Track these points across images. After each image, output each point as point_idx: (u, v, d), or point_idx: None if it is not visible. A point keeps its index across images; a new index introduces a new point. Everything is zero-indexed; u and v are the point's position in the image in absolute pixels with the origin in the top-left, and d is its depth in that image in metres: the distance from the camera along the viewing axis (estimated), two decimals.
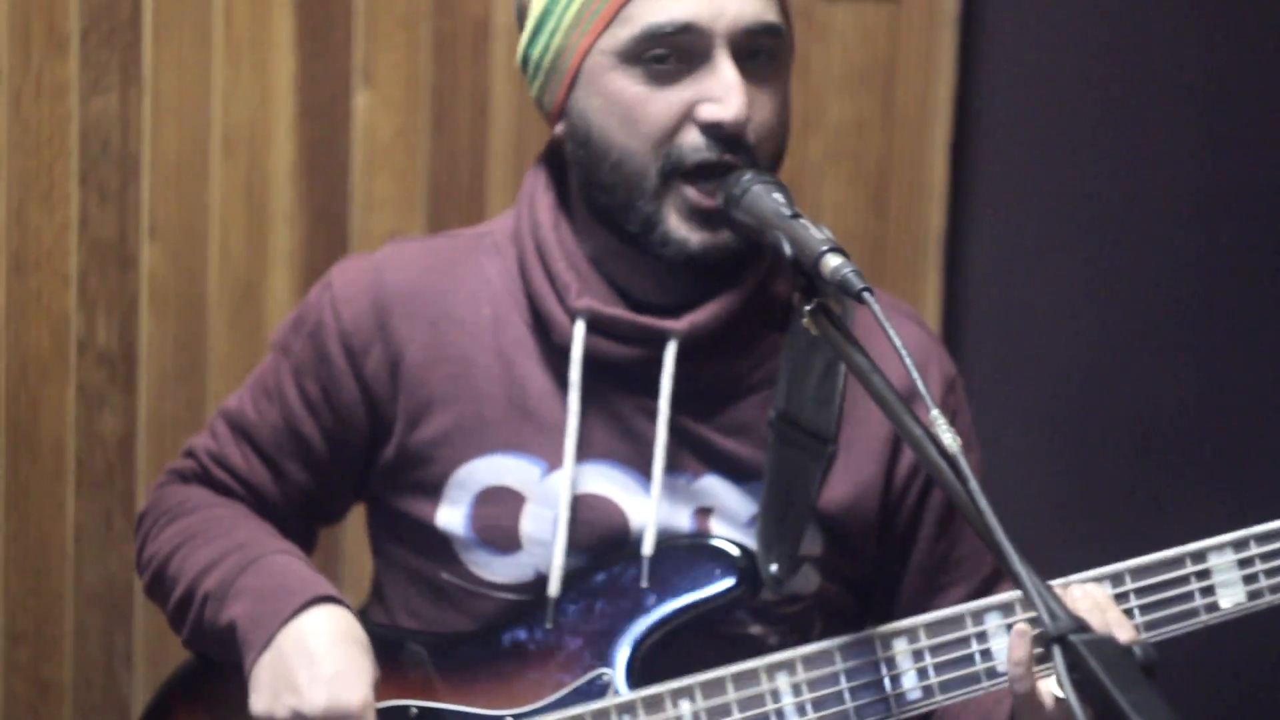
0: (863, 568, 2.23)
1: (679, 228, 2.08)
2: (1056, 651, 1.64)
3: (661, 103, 2.08)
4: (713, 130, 2.07)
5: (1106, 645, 1.64)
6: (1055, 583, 2.00)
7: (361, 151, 3.13)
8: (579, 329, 2.13)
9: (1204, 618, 2.06)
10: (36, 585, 3.00)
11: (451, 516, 2.18)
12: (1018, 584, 1.71)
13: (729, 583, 2.12)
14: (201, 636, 2.19)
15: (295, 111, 3.09)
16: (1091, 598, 2.00)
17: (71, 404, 2.98)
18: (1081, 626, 1.65)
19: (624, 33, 2.08)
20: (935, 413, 1.79)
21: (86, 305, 2.98)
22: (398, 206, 3.14)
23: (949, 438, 1.78)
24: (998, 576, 2.19)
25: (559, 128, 2.16)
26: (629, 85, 2.09)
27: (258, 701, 2.07)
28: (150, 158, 3.02)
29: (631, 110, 2.08)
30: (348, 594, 2.97)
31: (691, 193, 2.08)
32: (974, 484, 1.76)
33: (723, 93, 2.06)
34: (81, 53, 2.94)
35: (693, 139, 2.07)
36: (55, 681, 3.02)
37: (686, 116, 2.07)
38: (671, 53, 2.07)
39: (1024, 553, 1.72)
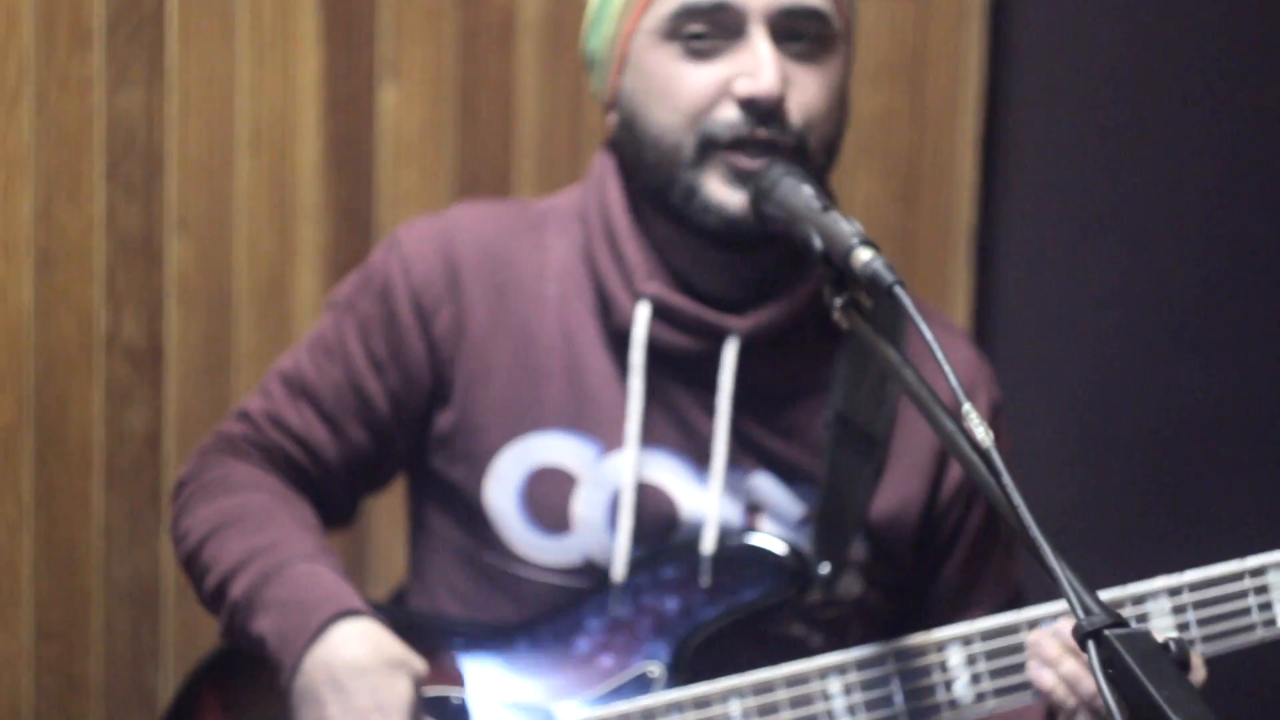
0: (903, 575, 2.23)
1: (718, 191, 2.09)
2: (1091, 647, 1.63)
3: (698, 78, 2.09)
4: (747, 105, 2.08)
5: (1141, 640, 1.63)
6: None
7: (388, 146, 3.13)
8: (642, 311, 2.13)
9: (1260, 633, 2.05)
10: (65, 582, 3.00)
11: (501, 491, 2.18)
12: (1051, 578, 1.69)
13: (781, 584, 2.12)
14: (234, 638, 2.17)
15: (321, 106, 3.09)
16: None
17: (99, 400, 2.98)
18: (1117, 621, 1.64)
19: (662, 10, 2.10)
20: (967, 407, 1.78)
21: (113, 301, 2.98)
22: (424, 201, 3.13)
23: (982, 432, 1.77)
24: (1016, 604, 2.18)
25: (612, 116, 2.18)
26: (667, 62, 2.11)
27: None
28: (176, 153, 3.01)
29: (669, 85, 2.10)
30: (376, 587, 2.98)
31: (733, 158, 2.08)
32: (1007, 478, 1.75)
33: (755, 67, 2.08)
34: (107, 48, 2.94)
35: (728, 114, 2.09)
36: (84, 678, 3.02)
37: (723, 92, 2.09)
38: (708, 29, 2.08)
39: (1058, 548, 1.71)
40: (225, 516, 2.20)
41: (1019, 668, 2.05)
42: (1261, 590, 2.06)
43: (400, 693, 2.02)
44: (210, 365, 3.06)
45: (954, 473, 2.19)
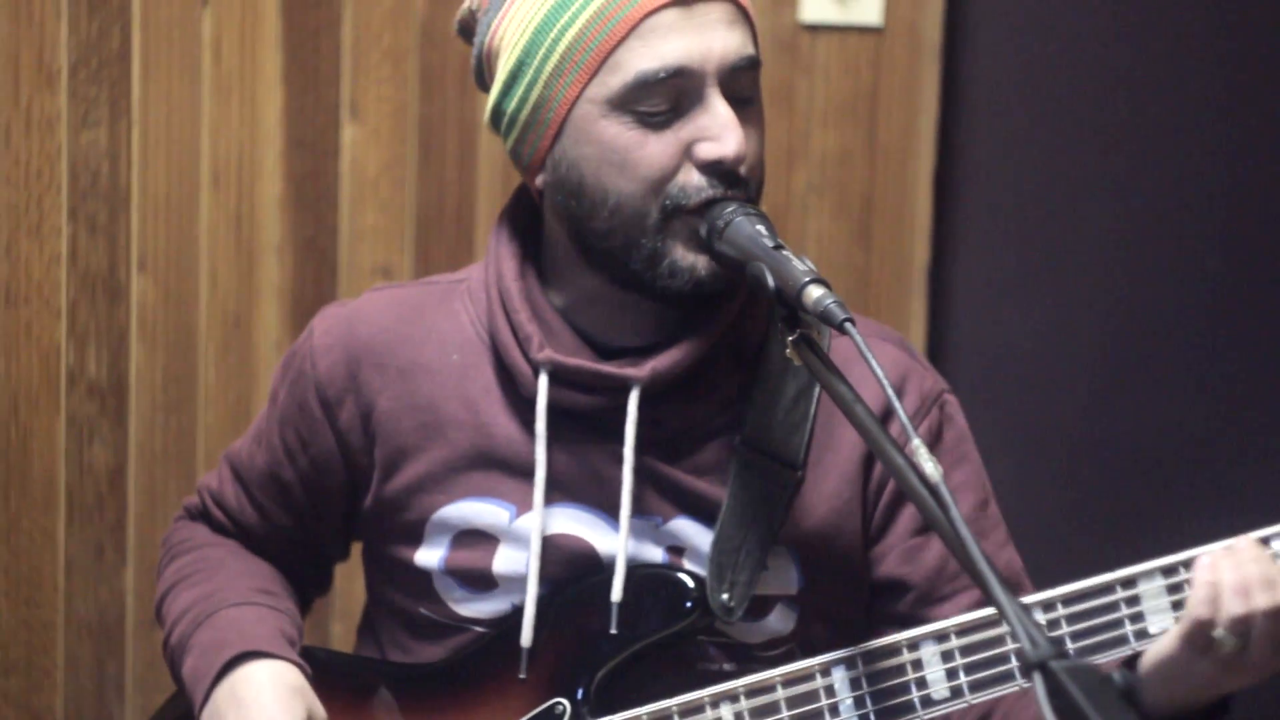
0: (844, 602, 2.22)
1: (686, 256, 2.07)
2: (1037, 678, 1.66)
3: (657, 146, 2.06)
4: (712, 168, 2.06)
5: (1086, 672, 1.66)
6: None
7: (349, 185, 3.15)
8: (542, 382, 2.13)
9: (1134, 644, 2.05)
10: (28, 616, 3.00)
11: (430, 558, 2.20)
12: (999, 611, 1.72)
13: (681, 612, 2.12)
14: (177, 685, 2.23)
15: (283, 145, 3.11)
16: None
17: (62, 436, 2.99)
18: (1061, 653, 1.67)
19: (614, 80, 2.06)
20: (916, 443, 1.80)
21: (77, 337, 2.99)
22: (385, 239, 3.15)
23: (930, 467, 1.79)
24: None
25: (539, 179, 2.14)
26: (622, 131, 2.07)
27: None
28: (139, 190, 3.03)
29: (627, 156, 2.07)
30: (338, 624, 3.00)
31: (698, 221, 2.07)
32: (955, 512, 1.76)
33: (720, 131, 2.05)
34: (71, 87, 2.95)
35: (694, 179, 2.06)
36: (47, 712, 3.03)
37: (684, 157, 2.06)
38: (663, 105, 2.06)
39: (1006, 580, 1.73)
40: (181, 573, 2.29)
41: (902, 689, 2.07)
42: (1133, 601, 2.06)
43: (296, 712, 2.10)
44: (173, 401, 3.08)
45: (878, 467, 2.19)
